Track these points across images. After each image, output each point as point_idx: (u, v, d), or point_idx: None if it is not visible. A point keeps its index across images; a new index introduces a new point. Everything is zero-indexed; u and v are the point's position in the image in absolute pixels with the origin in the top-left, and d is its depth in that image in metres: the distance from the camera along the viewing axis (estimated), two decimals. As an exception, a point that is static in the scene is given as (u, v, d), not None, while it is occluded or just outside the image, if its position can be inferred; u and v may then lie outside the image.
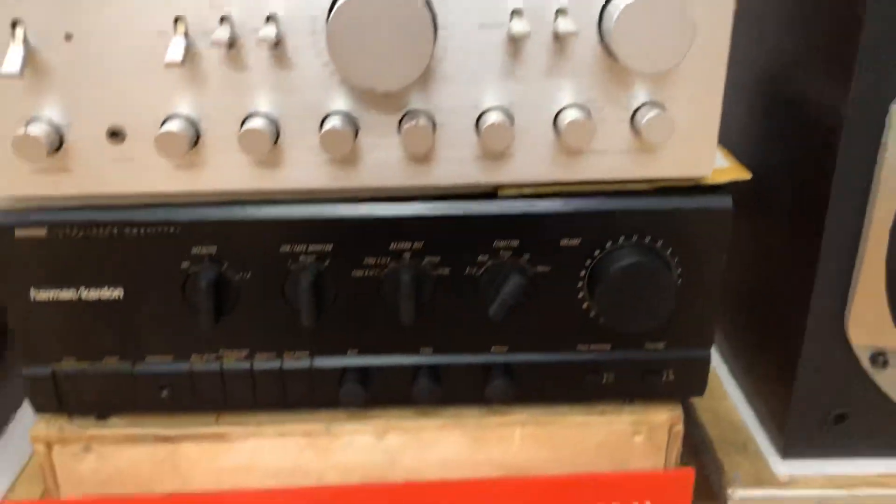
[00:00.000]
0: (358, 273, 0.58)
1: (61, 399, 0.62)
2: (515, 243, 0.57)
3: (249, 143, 0.51)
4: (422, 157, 0.54)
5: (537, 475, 0.65)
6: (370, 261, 0.57)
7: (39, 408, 0.62)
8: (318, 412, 0.64)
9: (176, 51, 0.48)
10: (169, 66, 0.48)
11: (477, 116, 0.53)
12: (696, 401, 0.73)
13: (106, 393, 0.61)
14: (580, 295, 0.59)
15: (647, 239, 0.57)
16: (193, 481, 0.65)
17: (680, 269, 0.58)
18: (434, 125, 0.53)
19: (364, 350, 0.61)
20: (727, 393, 0.75)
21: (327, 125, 0.51)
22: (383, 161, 0.54)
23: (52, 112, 0.52)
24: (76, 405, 0.62)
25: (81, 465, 0.64)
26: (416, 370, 0.61)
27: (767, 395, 0.69)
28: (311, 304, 0.57)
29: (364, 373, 0.61)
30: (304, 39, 0.51)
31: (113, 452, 0.64)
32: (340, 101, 0.53)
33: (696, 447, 0.71)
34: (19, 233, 0.55)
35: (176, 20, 0.50)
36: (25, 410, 0.76)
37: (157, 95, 0.52)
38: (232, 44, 0.50)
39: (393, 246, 0.57)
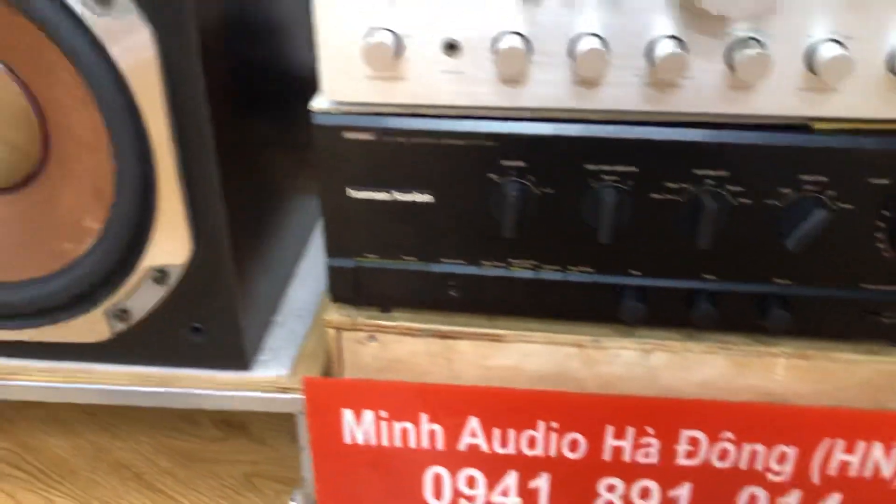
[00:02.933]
0: (658, 196, 0.59)
1: (357, 290, 0.67)
2: (823, 178, 0.57)
3: (585, 63, 0.53)
4: (745, 86, 0.54)
5: (797, 405, 0.66)
6: (672, 185, 0.59)
7: (337, 297, 0.68)
8: (586, 325, 0.67)
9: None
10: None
11: (806, 48, 0.53)
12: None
13: (397, 288, 0.66)
14: (878, 234, 0.59)
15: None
16: (463, 375, 0.69)
17: None
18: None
19: (647, 271, 0.63)
20: None
21: (665, 49, 0.52)
22: (705, 86, 0.55)
23: (394, 23, 0.55)
24: (367, 297, 0.68)
25: (365, 351, 0.70)
26: (695, 294, 0.63)
27: None
28: (611, 222, 0.59)
29: (643, 292, 0.63)
30: (650, -39, 0.51)
31: (394, 342, 0.69)
32: (668, 25, 0.53)
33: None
34: (347, 135, 0.59)
35: (528, -62, 0.51)
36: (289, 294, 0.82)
37: (494, 11, 0.54)
38: (575, -37, 0.51)
39: (696, 171, 0.58)
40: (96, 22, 0.57)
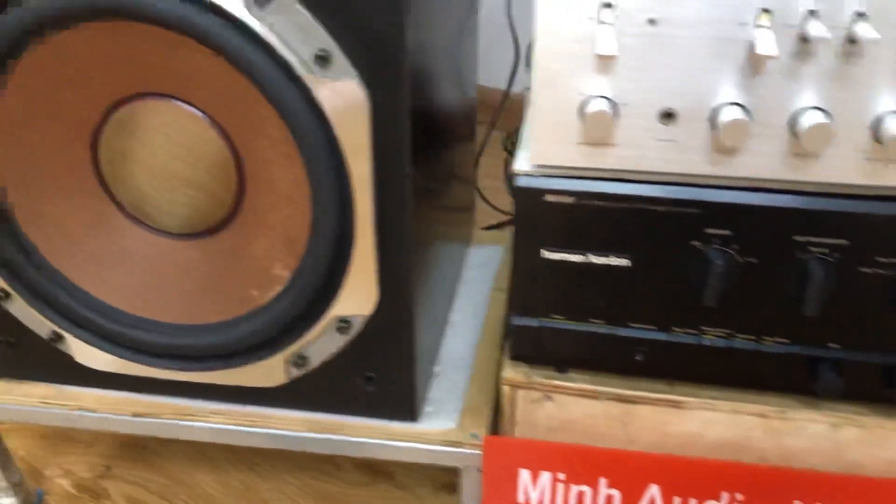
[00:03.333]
0: (867, 269, 0.58)
1: (537, 350, 0.67)
2: None
3: (809, 137, 0.52)
4: (977, 164, 0.53)
5: None
6: (883, 259, 0.57)
7: (517, 355, 0.68)
8: (772, 395, 0.65)
9: (769, 43, 0.49)
10: (762, 58, 0.49)
11: None
12: None
13: (579, 349, 0.66)
14: None
15: None
16: (638, 440, 0.68)
17: None
18: None
19: (846, 344, 0.61)
20: None
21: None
22: (931, 163, 0.53)
23: (612, 91, 0.55)
24: (546, 357, 0.67)
25: (539, 410, 0.69)
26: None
27: None
28: (817, 295, 0.57)
29: (840, 365, 0.62)
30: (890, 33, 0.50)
31: (571, 403, 0.68)
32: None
33: None
34: (549, 197, 0.59)
35: (763, 12, 0.51)
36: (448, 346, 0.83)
37: (716, 82, 0.53)
38: (807, 38, 0.51)
39: (912, 247, 0.56)
40: (313, 82, 0.58)
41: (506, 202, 1.18)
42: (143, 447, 0.96)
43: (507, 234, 1.07)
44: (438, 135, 0.75)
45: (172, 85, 0.63)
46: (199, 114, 0.64)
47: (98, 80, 0.64)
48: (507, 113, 1.07)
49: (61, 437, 0.97)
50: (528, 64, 0.60)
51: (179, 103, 0.64)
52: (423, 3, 0.61)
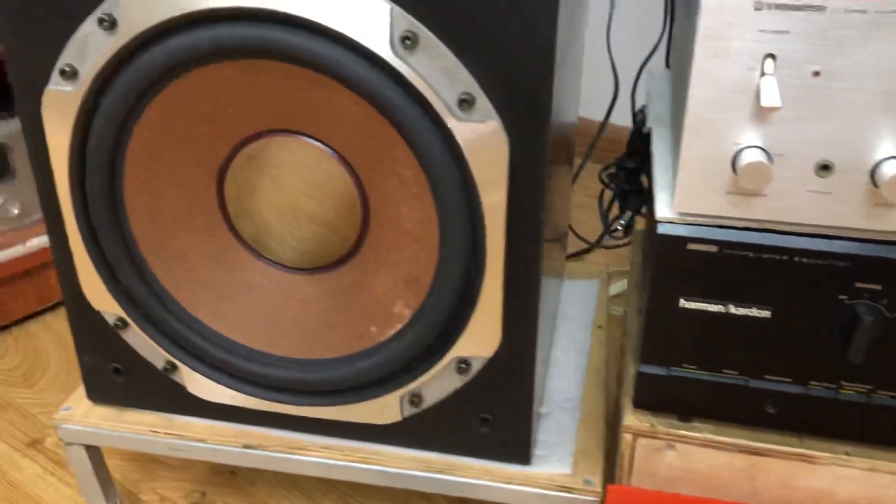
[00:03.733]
0: None
1: (662, 398, 0.65)
2: None
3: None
4: None
5: None
6: None
7: (640, 403, 0.66)
8: (909, 453, 0.63)
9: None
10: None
11: None
12: None
13: (706, 399, 0.64)
14: None
15: None
16: (764, 493, 0.66)
17: None
18: None
19: None
20: None
21: None
22: None
23: (767, 142, 0.54)
24: (670, 405, 0.66)
25: (660, 459, 0.68)
26: None
27: None
28: (973, 355, 0.55)
29: None
30: None
31: (694, 453, 0.67)
32: None
33: None
34: (691, 246, 0.58)
35: (936, 66, 0.49)
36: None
37: (880, 136, 0.52)
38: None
39: None
40: (455, 125, 0.58)
41: (588, 230, 1.17)
42: (233, 473, 0.96)
43: (592, 266, 1.06)
44: (554, 170, 0.74)
45: (306, 123, 0.63)
46: (330, 152, 0.64)
47: (231, 116, 0.64)
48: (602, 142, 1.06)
49: (151, 461, 0.97)
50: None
51: (311, 140, 0.64)
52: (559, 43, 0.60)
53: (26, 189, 1.21)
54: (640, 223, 0.97)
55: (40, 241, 1.20)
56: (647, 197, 0.97)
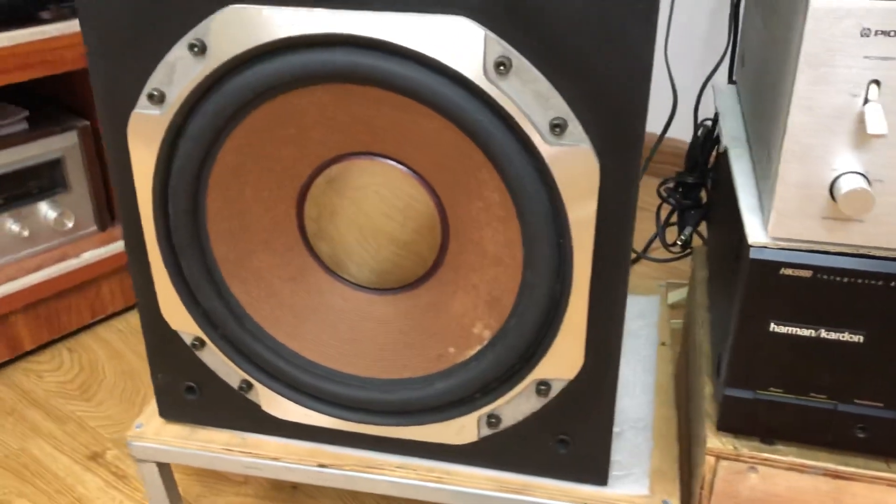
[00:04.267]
0: None
1: (746, 421, 0.65)
2: None
3: None
4: None
5: None
6: None
7: (724, 426, 0.66)
8: None
9: None
10: None
11: None
12: None
13: (792, 423, 0.64)
14: None
15: None
16: (848, 518, 0.66)
17: None
18: None
19: None
20: None
21: None
22: None
23: (866, 167, 0.53)
24: (754, 428, 0.65)
25: (742, 482, 0.67)
26: None
27: None
28: None
29: None
30: None
31: (777, 476, 0.66)
32: None
33: None
34: (785, 271, 0.58)
35: None
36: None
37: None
38: None
39: None
40: (546, 150, 0.58)
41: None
42: (294, 488, 0.96)
43: (643, 279, 1.06)
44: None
45: (391, 146, 0.64)
46: (414, 174, 0.64)
47: (316, 139, 0.64)
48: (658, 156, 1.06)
49: (213, 475, 0.98)
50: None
51: (393, 163, 0.65)
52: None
53: (81, 202, 1.22)
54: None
55: (93, 254, 1.21)
56: (706, 213, 0.97)
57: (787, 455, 0.66)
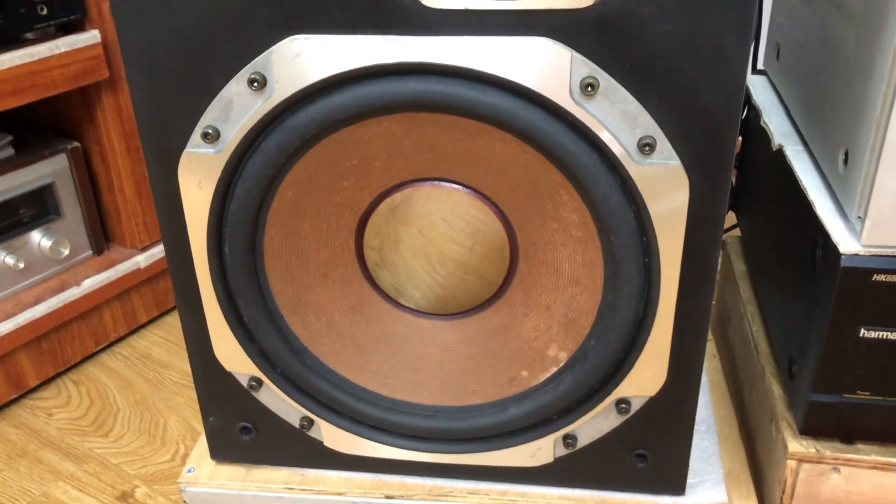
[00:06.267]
0: None
1: (832, 424, 0.64)
2: None
3: None
4: None
5: None
6: None
7: (808, 430, 0.65)
8: None
9: None
10: None
11: None
12: None
13: (878, 424, 0.64)
14: None
15: None
16: (930, 511, 0.66)
17: None
18: None
19: None
20: None
21: None
22: None
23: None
24: (837, 430, 0.65)
25: (824, 483, 0.67)
26: None
27: None
28: None
29: None
30: None
31: (861, 476, 0.66)
32: None
33: None
34: (878, 277, 0.57)
35: None
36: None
37: None
38: None
39: None
40: (634, 170, 0.56)
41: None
42: (338, 512, 0.94)
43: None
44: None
45: (459, 171, 0.61)
46: (481, 198, 0.62)
47: (379, 169, 0.61)
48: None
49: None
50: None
51: (460, 188, 0.62)
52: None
53: (74, 228, 1.16)
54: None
55: (95, 280, 1.16)
56: (734, 202, 0.97)
57: (869, 454, 0.66)
